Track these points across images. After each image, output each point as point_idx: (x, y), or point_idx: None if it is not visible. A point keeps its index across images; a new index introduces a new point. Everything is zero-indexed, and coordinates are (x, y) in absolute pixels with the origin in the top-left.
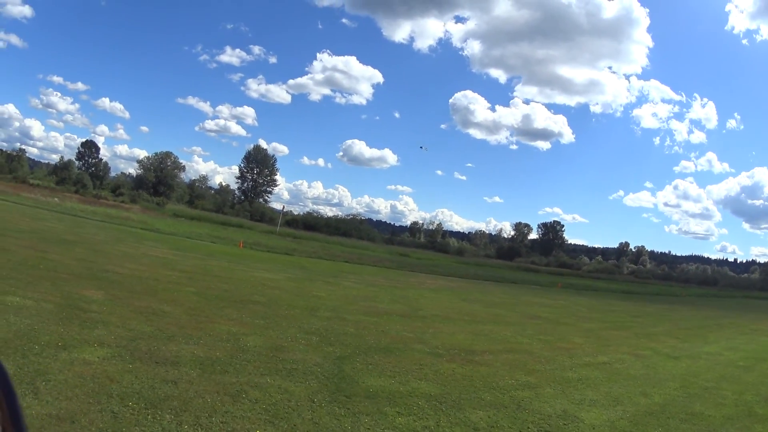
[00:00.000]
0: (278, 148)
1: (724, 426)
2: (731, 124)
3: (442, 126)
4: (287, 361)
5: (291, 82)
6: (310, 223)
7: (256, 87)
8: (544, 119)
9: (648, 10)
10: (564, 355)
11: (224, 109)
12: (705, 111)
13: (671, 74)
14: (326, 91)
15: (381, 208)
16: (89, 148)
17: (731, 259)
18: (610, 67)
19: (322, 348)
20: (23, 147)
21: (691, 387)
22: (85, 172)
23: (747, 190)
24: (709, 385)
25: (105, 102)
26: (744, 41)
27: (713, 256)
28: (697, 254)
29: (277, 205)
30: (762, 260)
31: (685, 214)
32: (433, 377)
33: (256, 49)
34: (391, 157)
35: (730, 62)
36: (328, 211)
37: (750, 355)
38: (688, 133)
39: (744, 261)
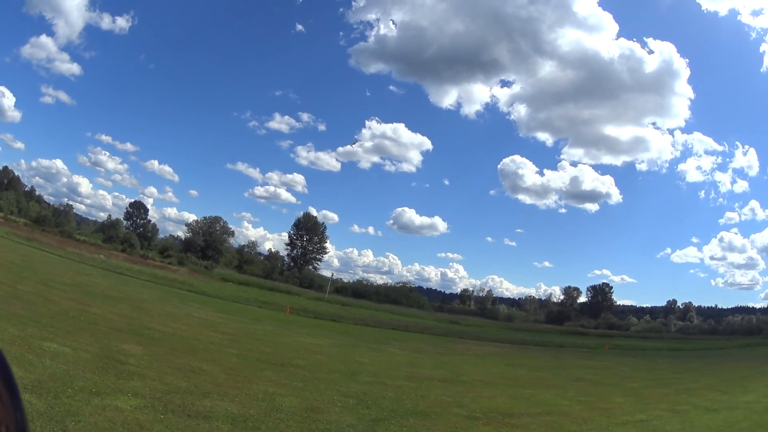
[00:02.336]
0: (328, 216)
1: None
2: None
3: (492, 192)
4: (321, 422)
5: (340, 149)
6: (360, 291)
7: (305, 154)
8: (591, 181)
9: (688, 60)
10: (602, 415)
11: (274, 176)
12: (747, 158)
13: (713, 124)
14: (375, 158)
15: (431, 275)
16: (137, 208)
17: None
18: (654, 123)
19: (358, 410)
20: (71, 203)
21: None
22: (132, 231)
23: None
24: None
25: (154, 164)
26: None
27: (758, 305)
28: (742, 305)
29: (326, 273)
30: None
31: (731, 266)
32: None
33: (305, 116)
34: (441, 224)
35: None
36: (378, 279)
37: None
38: (732, 183)
39: None
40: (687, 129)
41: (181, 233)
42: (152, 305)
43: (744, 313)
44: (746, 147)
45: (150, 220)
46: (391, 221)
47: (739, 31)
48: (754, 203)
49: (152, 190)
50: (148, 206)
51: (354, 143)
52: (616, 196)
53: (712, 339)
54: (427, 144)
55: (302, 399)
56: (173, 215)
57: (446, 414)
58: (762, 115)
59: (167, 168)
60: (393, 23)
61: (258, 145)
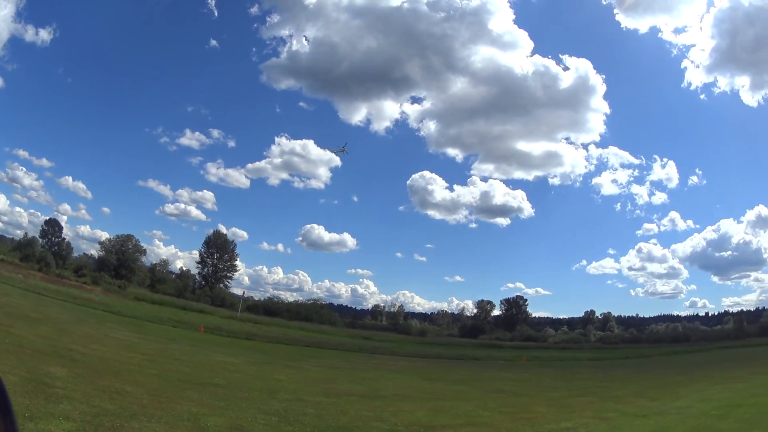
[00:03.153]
0: (238, 233)
1: None
2: (693, 180)
3: (401, 208)
4: None
5: (250, 166)
6: (271, 309)
7: (215, 171)
8: (502, 195)
9: (604, 76)
10: (526, 425)
11: (184, 193)
12: (665, 171)
13: (630, 139)
14: (284, 175)
15: (342, 292)
16: (52, 226)
17: (702, 314)
18: (567, 138)
19: (281, 428)
20: None
21: None
22: (48, 250)
23: (713, 244)
24: None
25: (68, 180)
26: (702, 96)
27: (683, 313)
28: (666, 313)
29: (237, 291)
30: (734, 310)
31: (651, 276)
32: None
33: (215, 133)
34: (350, 240)
35: (688, 118)
36: (289, 297)
37: (724, 404)
38: (649, 195)
39: (716, 313)
40: (602, 143)
41: (94, 252)
42: (72, 326)
43: (669, 321)
44: (665, 160)
45: (64, 239)
46: (300, 238)
47: (660, 48)
48: (674, 214)
49: (66, 207)
50: (63, 224)
51: (339, 150)
52: (528, 210)
53: (636, 347)
54: (336, 161)
55: (226, 418)
56: (87, 233)
57: (368, 428)
58: (682, 129)
59: (81, 185)
60: (306, 39)
61: (169, 162)
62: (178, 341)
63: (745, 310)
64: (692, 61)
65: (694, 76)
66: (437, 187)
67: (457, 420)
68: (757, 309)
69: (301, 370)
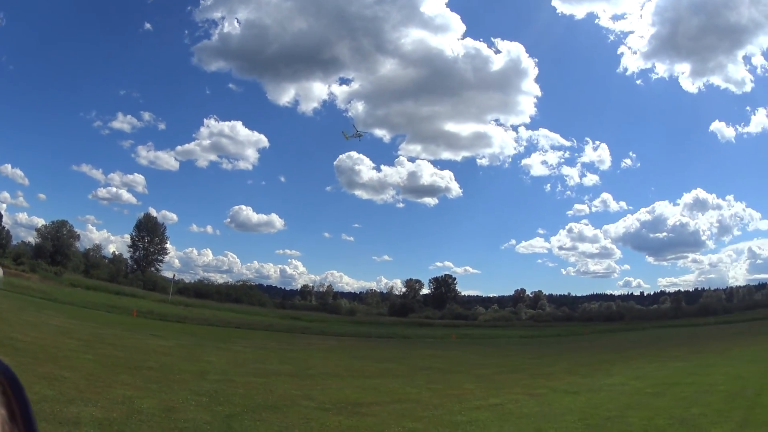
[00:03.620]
0: (168, 216)
1: None
2: (626, 163)
3: (328, 188)
4: (179, 420)
5: (179, 148)
6: (201, 291)
7: (145, 154)
8: (429, 176)
9: (537, 60)
10: (453, 401)
11: (116, 177)
12: (597, 153)
13: (561, 121)
14: (213, 157)
15: (271, 273)
16: None
17: (637, 293)
18: (497, 120)
19: (212, 408)
20: None
21: (591, 418)
22: None
23: (648, 225)
24: (612, 414)
25: (7, 168)
26: (638, 81)
27: (617, 293)
28: (599, 293)
29: (168, 274)
30: (671, 290)
31: (583, 256)
32: (319, 429)
33: (147, 115)
34: (278, 221)
35: (623, 103)
36: (219, 278)
37: (660, 382)
38: (581, 176)
39: (652, 293)
40: (532, 125)
41: (32, 239)
42: (12, 314)
43: (602, 301)
44: (597, 143)
45: (4, 227)
46: (229, 219)
47: (597, 34)
48: (606, 196)
49: (5, 195)
50: (2, 212)
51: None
52: (456, 191)
53: (568, 325)
54: (264, 141)
55: (159, 400)
56: (25, 220)
57: (297, 406)
58: (616, 113)
59: (19, 171)
60: (237, 21)
61: (101, 146)
62: (112, 326)
63: (683, 290)
64: (629, 48)
65: (631, 62)
66: (364, 167)
67: (384, 397)
68: (696, 290)
69: (230, 351)
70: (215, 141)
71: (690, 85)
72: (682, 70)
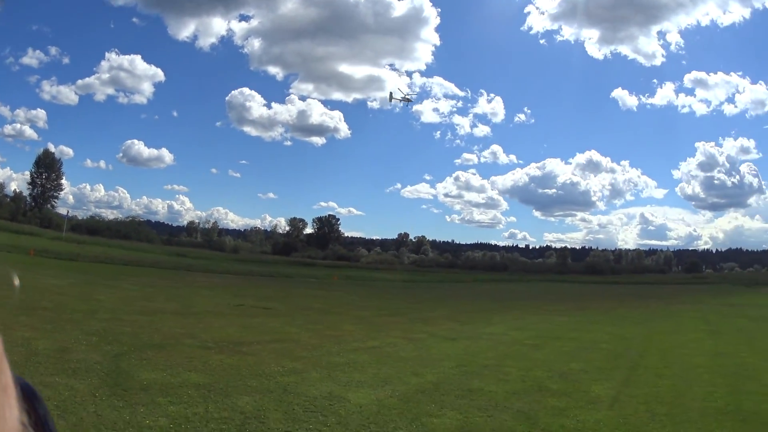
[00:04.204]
0: (64, 151)
1: (509, 400)
2: (520, 118)
3: (218, 124)
4: (72, 360)
5: (79, 82)
6: (93, 228)
7: (48, 89)
8: (319, 115)
9: (439, 10)
10: (332, 342)
11: (21, 113)
12: (491, 106)
13: (457, 71)
14: (111, 90)
15: (159, 208)
16: None
17: (522, 246)
18: (392, 65)
19: (101, 347)
20: None
21: (469, 365)
22: None
23: (537, 180)
24: (490, 363)
25: None
26: (542, 41)
27: (502, 243)
28: (483, 242)
29: (62, 210)
30: (557, 246)
31: (468, 204)
32: (202, 368)
33: (54, 50)
34: (168, 156)
35: (524, 61)
36: (110, 214)
37: (541, 334)
38: (472, 127)
39: (538, 247)
40: (427, 73)
41: None
42: None
43: (486, 250)
44: (492, 95)
45: None
46: (121, 154)
47: None
48: (496, 147)
49: None
50: None
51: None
52: (344, 132)
53: (451, 272)
54: (160, 76)
55: (53, 341)
56: None
57: (181, 345)
58: (515, 69)
59: None
60: None
61: (11, 82)
62: (12, 267)
63: (569, 247)
64: (537, 8)
65: (537, 22)
66: (255, 104)
67: (265, 336)
68: (583, 248)
69: (119, 289)
70: (114, 75)
71: (596, 51)
72: (590, 35)
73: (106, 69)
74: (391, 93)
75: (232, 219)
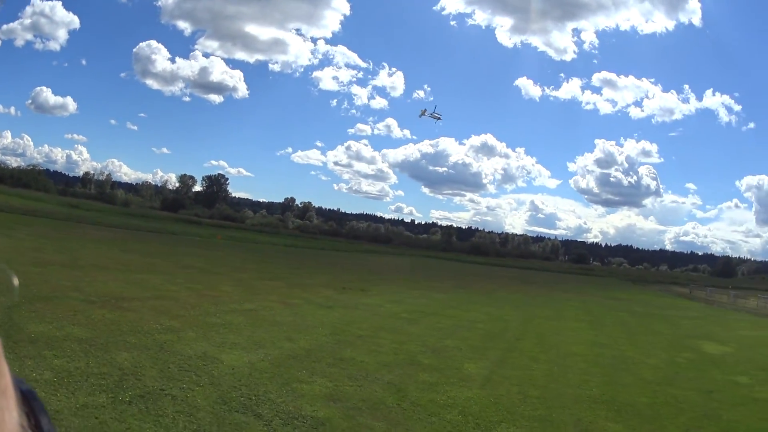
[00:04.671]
0: None
1: (380, 371)
2: (419, 94)
3: (122, 75)
4: None
5: (4, 27)
6: None
7: None
8: (220, 73)
9: None
10: (210, 302)
11: None
12: (392, 80)
13: (363, 43)
14: (29, 36)
15: (58, 158)
16: None
17: (408, 220)
18: (298, 30)
19: None
20: None
21: (343, 335)
22: None
23: (429, 157)
24: (365, 334)
25: None
26: (453, 23)
27: (388, 216)
28: (369, 213)
29: None
30: (444, 223)
31: (357, 174)
32: (85, 323)
33: None
34: (72, 105)
35: (431, 40)
36: (14, 162)
37: (418, 309)
38: (369, 98)
39: (423, 223)
40: (332, 41)
41: None
42: None
43: (371, 221)
44: (393, 69)
45: None
46: (30, 101)
47: None
48: (391, 121)
49: None
50: None
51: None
52: (243, 92)
53: (334, 240)
54: (76, 23)
55: None
56: None
57: (66, 298)
58: (420, 46)
59: None
60: None
61: None
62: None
63: (456, 226)
64: None
65: (451, 3)
66: (160, 57)
67: (146, 293)
68: (470, 228)
69: (14, 239)
70: (35, 20)
71: (506, 39)
72: (503, 23)
73: (29, 14)
74: (425, 109)
75: (126, 172)
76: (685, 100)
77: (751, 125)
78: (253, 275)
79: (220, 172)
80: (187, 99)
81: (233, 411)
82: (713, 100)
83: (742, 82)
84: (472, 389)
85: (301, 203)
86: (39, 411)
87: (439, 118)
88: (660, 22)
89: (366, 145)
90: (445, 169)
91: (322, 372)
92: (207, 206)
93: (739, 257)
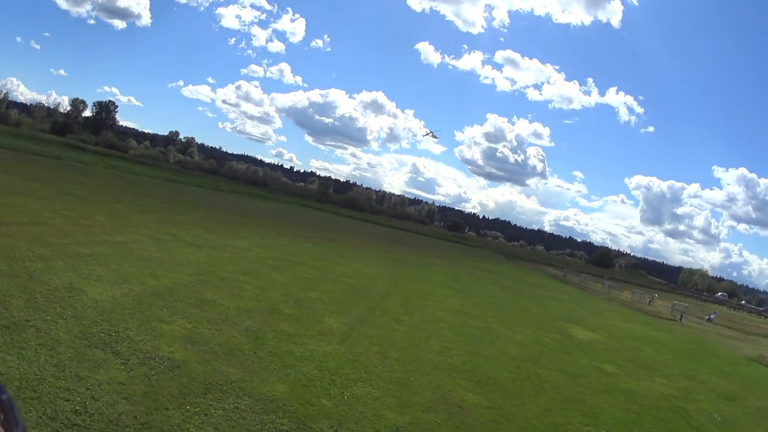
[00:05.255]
0: None
1: (240, 317)
2: (317, 43)
3: None
4: None
5: None
6: None
7: None
8: None
9: None
10: (82, 231)
11: None
12: (293, 25)
13: None
14: None
15: None
16: None
17: (288, 167)
18: None
19: None
20: None
21: (207, 275)
22: None
23: (317, 107)
24: (228, 276)
25: None
26: None
27: (268, 160)
28: (250, 155)
29: None
30: (322, 174)
31: (244, 115)
32: None
33: None
34: None
35: None
36: None
37: (285, 257)
38: (267, 41)
39: (303, 171)
40: None
41: None
42: None
43: (251, 164)
44: (296, 15)
45: None
46: None
47: None
48: (285, 66)
49: None
50: None
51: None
52: (146, 19)
53: (212, 179)
54: None
55: None
56: None
57: None
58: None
59: None
60: None
61: None
62: None
63: (334, 178)
64: None
65: None
66: None
67: (22, 218)
68: (348, 182)
69: None
70: None
71: (416, 3)
72: None
73: None
74: (426, 129)
75: (23, 92)
76: (587, 93)
77: (651, 129)
78: (128, 207)
79: (112, 98)
80: (92, 22)
81: (93, 347)
82: (616, 98)
83: (649, 87)
84: (330, 344)
85: (184, 138)
86: (13, 423)
87: (435, 138)
88: (577, 15)
89: (256, 87)
90: (331, 120)
91: (183, 312)
92: (94, 133)
93: (618, 250)
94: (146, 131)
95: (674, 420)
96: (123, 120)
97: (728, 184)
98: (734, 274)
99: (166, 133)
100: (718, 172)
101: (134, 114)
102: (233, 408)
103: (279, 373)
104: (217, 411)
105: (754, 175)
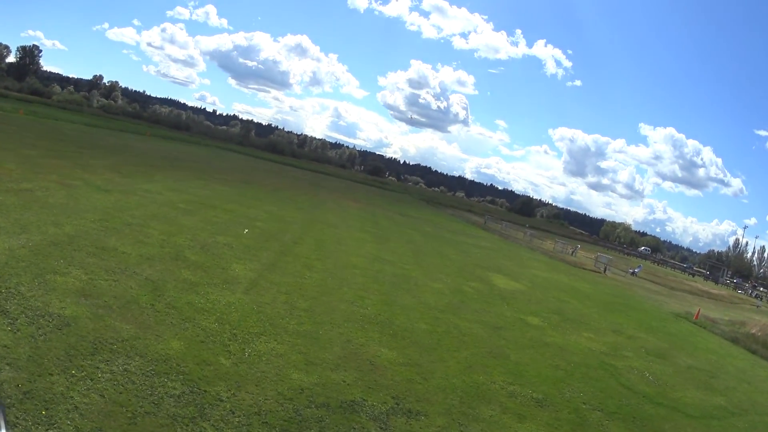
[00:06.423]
0: None
1: (141, 265)
2: None
3: None
4: None
5: None
6: None
7: None
8: None
9: None
10: None
11: None
12: None
13: None
14: None
15: None
16: None
17: (210, 110)
18: None
19: None
20: None
21: (112, 221)
22: None
23: (241, 50)
24: (135, 222)
25: None
26: None
27: (191, 104)
28: (174, 99)
29: None
30: (245, 117)
31: (168, 58)
32: None
33: None
34: None
35: None
36: None
37: (197, 200)
38: None
39: (225, 114)
40: None
41: None
42: None
43: (174, 107)
44: None
45: None
46: None
47: None
48: (211, 8)
49: None
50: None
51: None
52: None
53: (135, 123)
54: None
55: None
56: None
57: None
58: None
59: None
60: None
61: None
62: None
63: (256, 121)
64: None
65: None
66: None
67: None
68: (269, 125)
69: None
70: None
71: None
72: None
73: None
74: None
75: None
76: (514, 44)
77: (578, 83)
78: (41, 153)
79: (36, 43)
80: None
81: None
82: (544, 50)
83: (579, 42)
84: (235, 293)
85: (108, 82)
86: None
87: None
88: None
89: (182, 29)
90: (255, 63)
91: (80, 262)
92: (18, 79)
93: (540, 200)
94: (71, 76)
95: (604, 378)
96: (47, 65)
97: (655, 143)
98: (657, 230)
99: (89, 77)
100: (645, 129)
101: (59, 58)
102: (122, 370)
103: (176, 328)
104: (104, 374)
105: (682, 136)
